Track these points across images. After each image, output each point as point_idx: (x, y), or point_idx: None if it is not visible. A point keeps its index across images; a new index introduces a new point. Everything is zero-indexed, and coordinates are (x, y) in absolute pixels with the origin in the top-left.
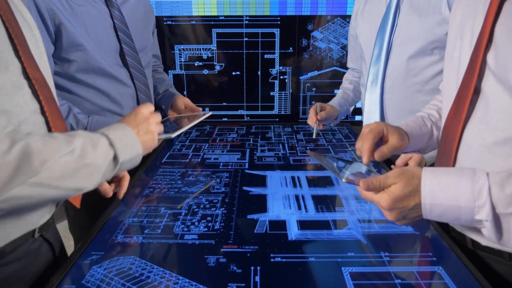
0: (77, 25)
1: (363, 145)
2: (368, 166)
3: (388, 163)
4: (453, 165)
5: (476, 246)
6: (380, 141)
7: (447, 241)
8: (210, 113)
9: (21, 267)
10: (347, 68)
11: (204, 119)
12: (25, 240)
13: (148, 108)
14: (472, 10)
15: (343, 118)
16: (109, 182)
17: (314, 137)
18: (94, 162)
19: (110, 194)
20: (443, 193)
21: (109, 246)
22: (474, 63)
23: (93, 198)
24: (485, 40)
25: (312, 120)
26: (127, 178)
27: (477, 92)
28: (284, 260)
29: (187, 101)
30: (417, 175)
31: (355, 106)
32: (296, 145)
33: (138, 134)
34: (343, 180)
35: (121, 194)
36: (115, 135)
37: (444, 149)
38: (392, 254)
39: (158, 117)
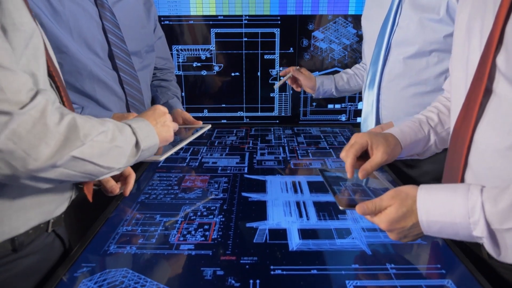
0: (60, 26)
1: (346, 161)
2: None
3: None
4: (464, 170)
5: (492, 257)
6: (367, 153)
7: (456, 252)
8: (209, 126)
9: (37, 261)
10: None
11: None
12: (40, 234)
13: (164, 107)
14: (480, 10)
15: (322, 96)
16: (116, 180)
17: (274, 87)
18: (122, 145)
19: (117, 191)
20: (438, 210)
21: (101, 257)
22: (484, 65)
23: (88, 201)
24: (495, 41)
25: (286, 71)
26: (132, 175)
27: (487, 94)
28: (285, 272)
29: (186, 115)
30: (411, 195)
31: (356, 107)
32: (297, 148)
33: (156, 127)
34: (340, 207)
35: (127, 191)
36: (137, 125)
37: (454, 153)
38: (399, 266)
39: (170, 115)
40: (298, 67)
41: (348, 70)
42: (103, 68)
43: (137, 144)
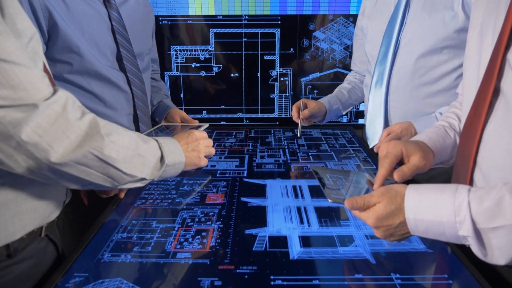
0: (73, 26)
1: (379, 171)
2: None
3: None
4: (472, 170)
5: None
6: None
7: (463, 260)
8: (207, 125)
9: (31, 266)
10: (350, 70)
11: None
12: (33, 239)
13: (201, 133)
14: (494, 8)
15: (334, 118)
16: None
17: (298, 136)
18: (144, 155)
19: (111, 193)
20: (425, 208)
21: (94, 267)
22: (494, 62)
23: (83, 206)
24: (506, 38)
25: (294, 117)
26: None
27: (496, 94)
28: (285, 283)
29: (183, 114)
30: (400, 194)
31: (357, 108)
32: (298, 151)
33: (185, 149)
34: (329, 200)
35: (122, 193)
36: (162, 141)
37: (463, 153)
38: (404, 276)
39: (209, 141)
40: (302, 108)
41: (344, 85)
42: (111, 69)
43: (162, 159)
